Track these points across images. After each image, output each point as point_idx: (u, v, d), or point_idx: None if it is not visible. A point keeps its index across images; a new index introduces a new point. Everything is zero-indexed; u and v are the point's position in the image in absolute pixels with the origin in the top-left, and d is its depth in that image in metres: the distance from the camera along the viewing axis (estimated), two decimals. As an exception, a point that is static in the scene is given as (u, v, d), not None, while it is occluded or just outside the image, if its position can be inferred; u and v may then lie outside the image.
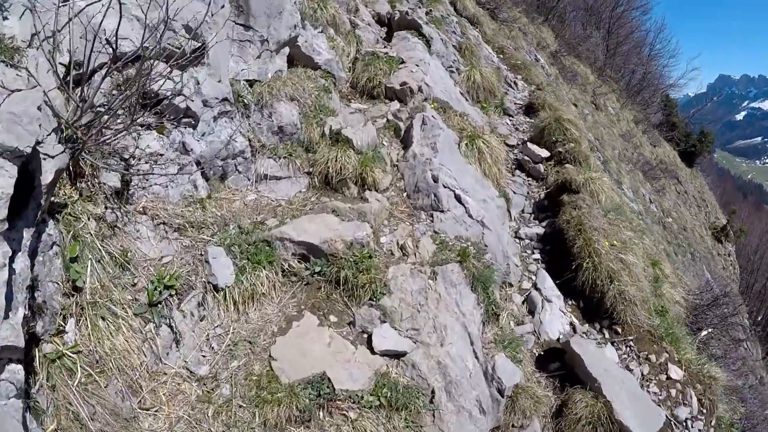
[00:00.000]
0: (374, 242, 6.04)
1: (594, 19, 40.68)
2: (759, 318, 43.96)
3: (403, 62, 9.88)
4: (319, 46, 8.76)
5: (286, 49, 7.88)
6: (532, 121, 11.24)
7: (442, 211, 6.96)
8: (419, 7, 14.13)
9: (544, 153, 9.51)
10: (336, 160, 6.65)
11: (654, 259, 9.68)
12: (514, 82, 13.79)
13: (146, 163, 5.06)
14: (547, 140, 9.79)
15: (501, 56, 16.16)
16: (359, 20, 11.48)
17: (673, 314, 8.48)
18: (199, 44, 5.84)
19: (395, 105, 9.04)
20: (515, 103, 12.42)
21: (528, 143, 9.72)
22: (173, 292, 4.55)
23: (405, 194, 7.27)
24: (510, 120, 11.39)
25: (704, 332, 10.45)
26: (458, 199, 7.08)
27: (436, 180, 7.09)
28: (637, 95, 39.79)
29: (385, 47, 11.04)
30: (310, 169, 6.87)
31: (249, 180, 6.49)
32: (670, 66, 44.36)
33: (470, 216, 7.08)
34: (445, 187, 7.06)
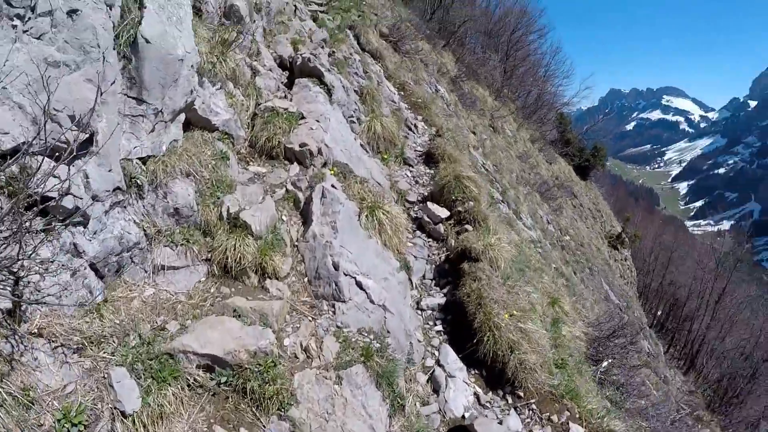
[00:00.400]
0: (278, 348, 5.88)
1: (493, 43, 41.82)
2: (658, 313, 46.48)
3: (303, 117, 9.78)
4: (217, 105, 8.52)
5: (182, 116, 7.59)
6: (432, 171, 11.38)
7: (343, 301, 6.90)
8: (322, 47, 14.08)
9: (444, 213, 9.63)
10: (234, 249, 6.47)
11: (553, 298, 10.01)
12: (414, 125, 13.92)
13: (36, 273, 4.73)
14: (447, 198, 9.92)
15: (402, 93, 16.31)
16: (260, 65, 11.30)
17: (574, 360, 8.78)
18: (88, 135, 5.55)
19: (295, 169, 8.92)
20: (415, 150, 12.55)
21: (428, 203, 9.82)
22: (81, 428, 4.30)
23: (306, 280, 7.16)
24: (410, 171, 11.49)
25: (605, 363, 10.88)
26: (359, 285, 7.04)
27: (336, 267, 7.02)
28: (533, 114, 41.17)
29: (285, 96, 10.91)
30: (209, 256, 6.63)
31: (146, 272, 6.17)
32: (564, 85, 46.13)
33: (372, 302, 7.06)
34: (346, 275, 7.00)
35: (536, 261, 12.58)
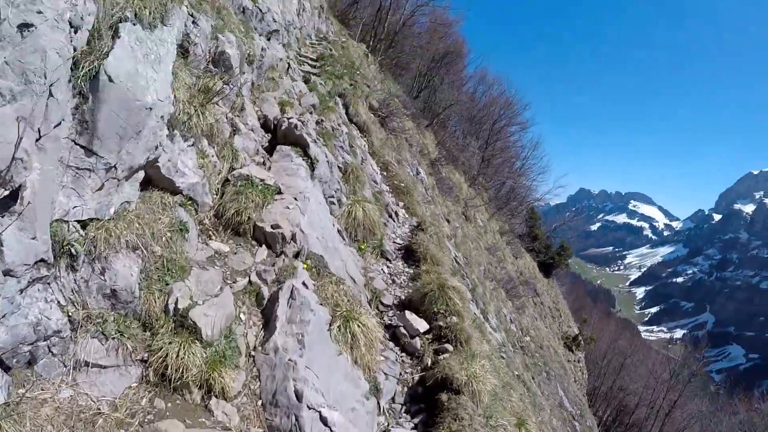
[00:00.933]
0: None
1: (474, 129, 41.69)
2: (605, 416, 45.45)
3: (280, 192, 8.65)
4: (186, 164, 7.35)
5: (141, 173, 6.39)
6: (411, 271, 10.30)
7: (298, 440, 5.58)
8: (311, 113, 13.09)
9: (423, 326, 8.44)
10: (177, 356, 5.16)
11: (520, 419, 8.90)
12: (396, 213, 12.90)
13: None
14: (428, 309, 8.76)
15: (385, 174, 15.37)
16: (242, 123, 10.21)
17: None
18: (9, 191, 4.31)
19: (262, 253, 7.73)
20: (395, 242, 11.49)
21: (406, 312, 8.61)
22: None
23: (260, 404, 5.78)
24: (387, 267, 10.38)
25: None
26: (324, 421, 5.66)
27: (299, 397, 5.66)
28: (504, 206, 40.71)
29: (264, 162, 9.81)
30: (146, 357, 5.29)
31: (65, 366, 4.81)
32: (539, 181, 46.04)
33: (337, 441, 5.73)
34: (309, 408, 5.64)
35: (505, 374, 11.45)
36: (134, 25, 5.85)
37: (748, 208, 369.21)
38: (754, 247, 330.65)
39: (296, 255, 7.95)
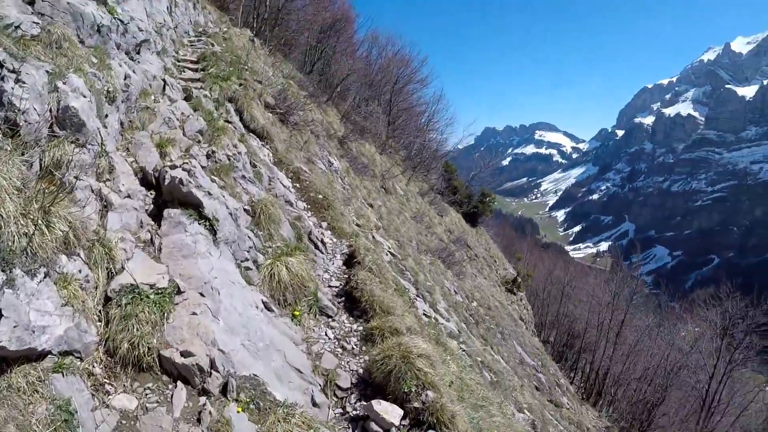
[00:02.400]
0: None
1: (375, 93, 39.63)
2: (555, 342, 45.70)
3: (179, 292, 6.52)
4: (44, 311, 5.16)
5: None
6: (361, 328, 8.41)
7: None
8: (198, 143, 10.83)
9: (396, 413, 6.51)
10: None
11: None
12: (321, 241, 10.89)
13: None
14: (396, 389, 6.85)
15: (297, 186, 13.28)
16: (114, 192, 7.96)
17: None
18: None
19: (180, 396, 5.65)
20: (331, 287, 9.54)
21: (374, 403, 6.60)
22: None
23: None
24: (331, 329, 8.39)
25: None
26: None
27: None
28: (419, 165, 39.18)
29: (151, 240, 7.61)
30: None
31: None
32: (447, 133, 44.69)
33: None
34: None
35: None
36: None
37: (648, 120, 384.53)
38: (659, 155, 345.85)
39: (224, 389, 5.88)
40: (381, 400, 6.67)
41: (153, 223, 8.08)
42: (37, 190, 5.72)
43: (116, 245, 6.82)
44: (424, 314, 11.83)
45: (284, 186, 12.45)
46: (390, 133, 37.73)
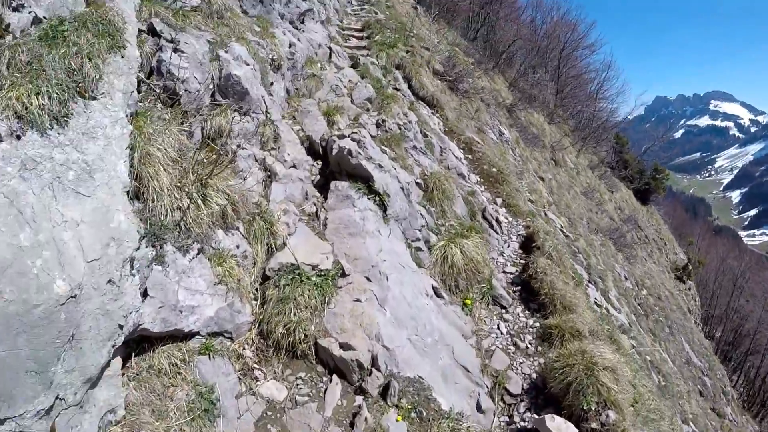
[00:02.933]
0: None
1: (542, 60, 37.38)
2: (717, 335, 41.45)
3: (344, 275, 5.67)
4: (194, 289, 4.57)
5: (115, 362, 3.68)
6: (537, 325, 7.17)
7: None
8: (367, 111, 10.01)
9: (570, 433, 5.30)
10: None
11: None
12: (496, 219, 9.66)
13: None
14: (573, 404, 5.59)
15: (470, 157, 12.12)
16: (279, 162, 7.28)
17: None
18: None
19: (335, 391, 4.87)
20: (505, 274, 8.33)
21: (546, 417, 5.40)
22: None
23: None
24: (504, 322, 7.21)
25: None
26: None
27: None
28: (589, 136, 36.55)
29: (317, 213, 6.85)
30: None
31: None
32: (617, 102, 41.40)
33: None
34: None
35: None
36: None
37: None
38: None
39: (384, 391, 4.97)
40: (554, 416, 5.43)
41: (319, 195, 7.33)
42: (195, 161, 5.04)
43: (279, 219, 6.11)
44: (596, 303, 10.35)
45: (456, 157, 11.37)
46: (558, 102, 35.42)
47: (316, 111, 9.09)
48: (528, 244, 9.38)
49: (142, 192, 4.55)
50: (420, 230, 7.50)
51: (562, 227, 14.16)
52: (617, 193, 35.10)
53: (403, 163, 8.66)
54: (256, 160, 7.06)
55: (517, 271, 8.54)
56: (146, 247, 4.32)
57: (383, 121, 9.53)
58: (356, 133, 7.83)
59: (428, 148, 10.43)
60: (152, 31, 6.76)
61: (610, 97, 40.77)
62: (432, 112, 13.34)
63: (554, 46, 37.22)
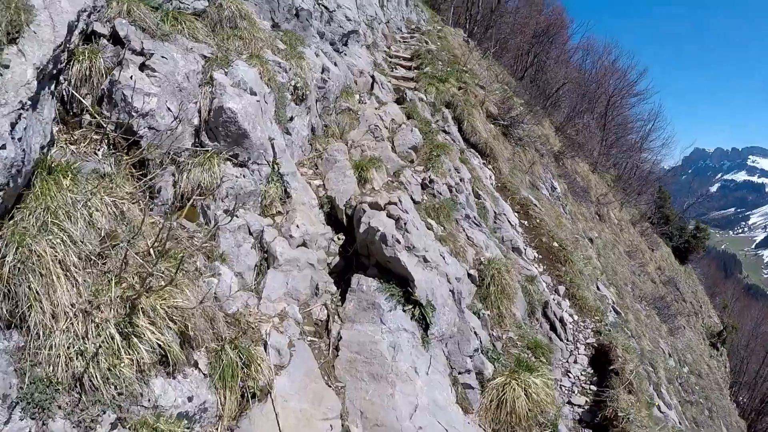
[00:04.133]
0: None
1: (589, 104, 34.82)
2: (743, 400, 38.13)
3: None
4: None
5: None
6: None
7: None
8: (411, 164, 7.72)
9: None
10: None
11: None
12: (560, 319, 7.20)
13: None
14: None
15: (525, 223, 9.74)
16: (283, 235, 5.07)
17: None
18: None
19: None
20: (572, 406, 5.94)
21: None
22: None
23: None
24: None
25: None
26: None
27: None
28: (629, 187, 33.87)
29: (328, 321, 4.57)
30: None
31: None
32: (662, 155, 38.49)
33: None
34: None
35: None
36: None
37: None
38: None
39: None
40: None
41: (335, 290, 4.99)
42: (123, 260, 2.77)
43: (268, 335, 3.81)
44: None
45: (511, 224, 8.96)
46: (603, 150, 32.85)
47: (344, 161, 6.76)
48: (599, 359, 6.92)
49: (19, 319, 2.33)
50: (472, 356, 5.04)
51: (613, 303, 11.73)
52: (657, 251, 32.32)
53: (453, 246, 6.24)
54: (251, 233, 4.75)
55: (587, 403, 6.09)
56: (20, 420, 2.10)
57: (431, 181, 7.17)
58: (395, 204, 5.43)
59: (481, 215, 8.05)
60: (115, 38, 4.50)
61: (655, 148, 37.92)
62: (484, 162, 10.98)
63: (602, 92, 34.70)
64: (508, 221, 8.91)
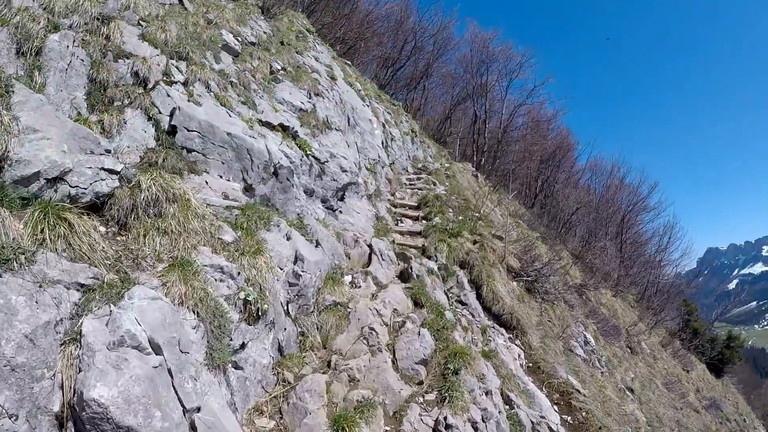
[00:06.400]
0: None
1: (601, 225, 32.37)
2: None
3: None
4: None
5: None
6: None
7: None
8: (421, 404, 5.11)
9: None
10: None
11: None
12: None
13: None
14: None
15: (568, 419, 7.07)
16: None
17: None
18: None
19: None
20: None
21: None
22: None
23: None
24: None
25: None
26: None
27: None
28: (652, 304, 30.62)
29: None
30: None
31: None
32: (682, 266, 35.31)
33: None
34: None
35: None
36: None
37: None
38: None
39: None
40: None
41: None
42: None
43: None
44: None
45: (547, 425, 6.21)
46: (622, 271, 29.96)
47: (318, 409, 4.25)
48: None
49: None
50: None
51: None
52: (693, 372, 28.57)
53: None
54: None
55: None
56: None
57: (447, 426, 4.54)
58: None
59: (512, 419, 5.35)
60: None
61: (675, 260, 34.88)
62: (510, 337, 8.37)
63: (615, 210, 32.38)
64: (548, 427, 6.17)
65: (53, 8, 4.93)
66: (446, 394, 4.98)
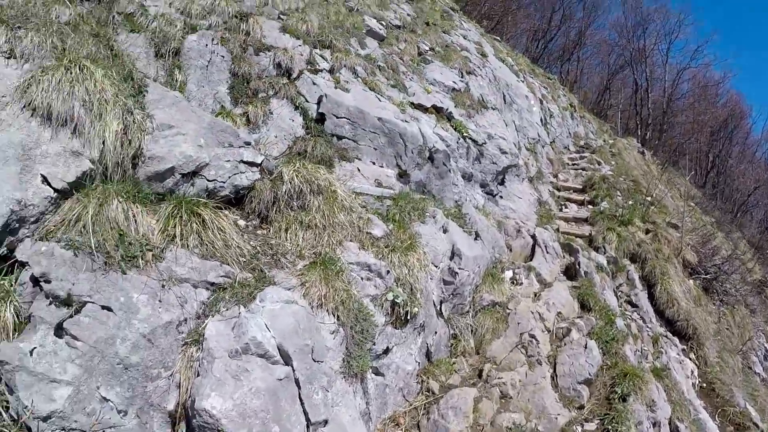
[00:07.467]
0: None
1: None
2: None
3: None
4: None
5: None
6: None
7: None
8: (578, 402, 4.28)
9: None
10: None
11: None
12: None
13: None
14: None
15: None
16: None
17: None
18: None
19: None
20: None
21: None
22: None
23: None
24: None
25: None
26: None
27: None
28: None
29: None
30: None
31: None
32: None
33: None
34: None
35: None
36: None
37: None
38: None
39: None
40: None
41: None
42: None
43: None
44: None
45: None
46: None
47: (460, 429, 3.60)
48: None
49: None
50: None
51: None
52: None
53: None
54: None
55: None
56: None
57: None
58: None
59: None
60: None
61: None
62: (683, 349, 7.15)
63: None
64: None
65: (190, 11, 5.14)
66: (609, 426, 4.11)
